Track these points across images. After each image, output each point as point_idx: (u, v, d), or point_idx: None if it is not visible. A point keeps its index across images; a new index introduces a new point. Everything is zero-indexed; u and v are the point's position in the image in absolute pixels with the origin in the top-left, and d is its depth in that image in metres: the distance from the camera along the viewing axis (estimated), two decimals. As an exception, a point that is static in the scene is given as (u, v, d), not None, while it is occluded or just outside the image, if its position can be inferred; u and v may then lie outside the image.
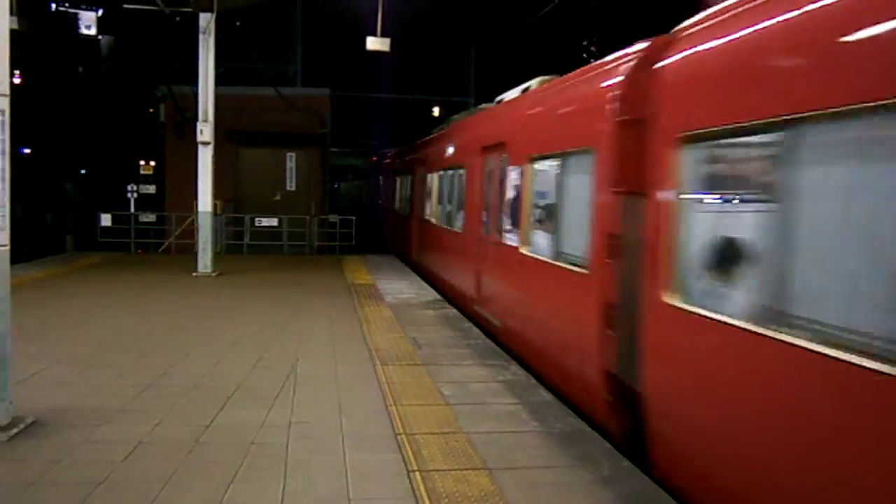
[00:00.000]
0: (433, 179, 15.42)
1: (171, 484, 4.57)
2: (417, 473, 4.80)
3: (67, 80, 27.59)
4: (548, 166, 7.89)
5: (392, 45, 15.67)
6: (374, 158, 31.93)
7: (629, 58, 6.03)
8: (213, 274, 15.19)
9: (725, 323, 4.14)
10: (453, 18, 27.26)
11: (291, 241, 21.22)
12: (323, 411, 6.13)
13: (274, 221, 21.13)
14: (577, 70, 7.79)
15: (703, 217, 4.74)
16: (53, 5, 20.97)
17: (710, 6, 4.95)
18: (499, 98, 11.15)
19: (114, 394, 6.51)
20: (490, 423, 5.90)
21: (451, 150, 13.80)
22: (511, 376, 7.37)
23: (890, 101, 3.08)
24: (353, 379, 7.18)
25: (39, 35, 24.93)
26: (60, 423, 5.66)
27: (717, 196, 4.71)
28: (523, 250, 8.32)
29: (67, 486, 4.50)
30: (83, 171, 30.42)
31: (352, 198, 39.68)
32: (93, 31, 17.39)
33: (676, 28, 5.44)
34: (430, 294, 13.14)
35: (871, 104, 3.18)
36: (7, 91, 5.39)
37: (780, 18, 3.96)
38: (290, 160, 22.57)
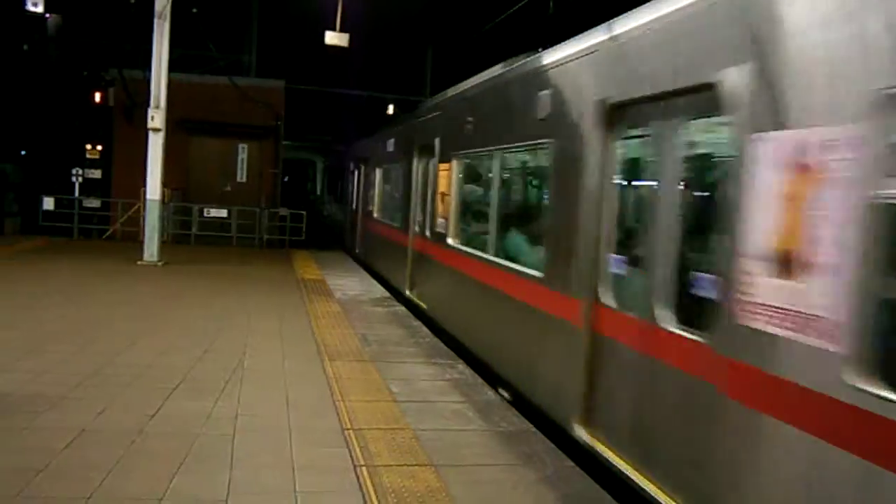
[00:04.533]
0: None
1: (113, 473, 4.52)
2: (364, 468, 4.85)
3: (10, 58, 26.70)
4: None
5: (350, 40, 15.64)
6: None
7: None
8: (160, 263, 14.94)
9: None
10: (412, 17, 27.23)
11: (241, 234, 20.99)
12: (270, 405, 6.12)
13: (223, 212, 20.86)
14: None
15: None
16: (-1, -20, 20.29)
17: None
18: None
19: (55, 381, 6.39)
20: (437, 420, 5.97)
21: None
22: (458, 375, 7.46)
23: None
24: (301, 373, 7.18)
25: (-19, 9, 24.08)
26: (-1, 409, 5.55)
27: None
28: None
29: (7, 472, 4.42)
30: (24, 153, 29.48)
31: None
32: (40, 9, 16.91)
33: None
34: (379, 291, 13.16)
35: None
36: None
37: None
38: (242, 151, 22.26)
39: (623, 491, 4.69)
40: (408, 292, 11.73)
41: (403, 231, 12.36)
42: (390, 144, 14.66)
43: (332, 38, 15.22)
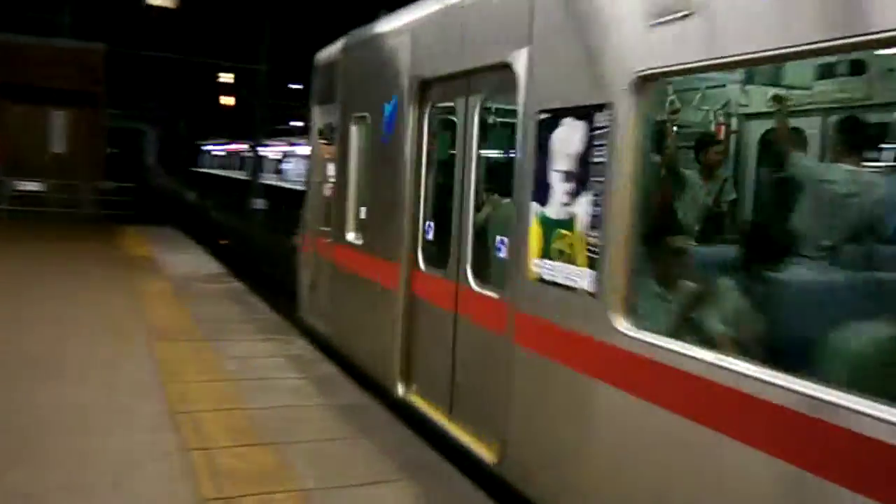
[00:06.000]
0: None
1: None
2: (195, 452, 4.63)
3: None
4: None
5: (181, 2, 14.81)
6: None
7: None
8: (-37, 242, 13.57)
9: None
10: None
11: (61, 208, 19.46)
12: (93, 391, 5.74)
13: (39, 186, 19.22)
14: None
15: None
16: None
17: None
18: None
19: None
20: (275, 397, 5.84)
21: None
22: (296, 351, 7.33)
23: None
24: (128, 356, 6.78)
25: None
26: None
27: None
28: None
29: None
30: None
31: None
32: None
33: None
34: (214, 267, 12.67)
35: None
36: None
37: None
38: (59, 118, 20.52)
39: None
40: None
41: None
42: None
43: (158, -2, 14.34)
